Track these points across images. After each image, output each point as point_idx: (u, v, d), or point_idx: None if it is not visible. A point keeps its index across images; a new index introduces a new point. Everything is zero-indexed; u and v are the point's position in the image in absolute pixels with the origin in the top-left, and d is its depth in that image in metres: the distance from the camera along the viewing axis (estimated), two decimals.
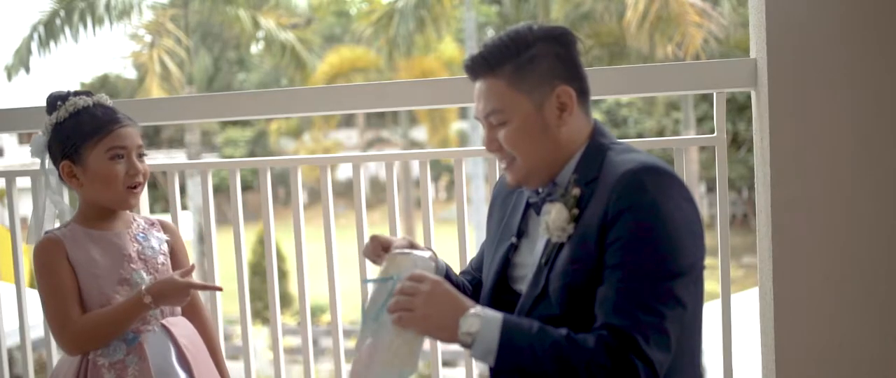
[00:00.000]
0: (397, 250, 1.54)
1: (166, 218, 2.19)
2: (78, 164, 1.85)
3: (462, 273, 1.79)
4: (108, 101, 1.93)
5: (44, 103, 1.94)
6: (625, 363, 1.29)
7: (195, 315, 2.02)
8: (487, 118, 1.48)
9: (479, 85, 1.49)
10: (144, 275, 1.89)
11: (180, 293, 1.83)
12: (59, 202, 2.00)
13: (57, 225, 1.97)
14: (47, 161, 1.94)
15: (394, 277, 1.45)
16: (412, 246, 1.59)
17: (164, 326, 1.91)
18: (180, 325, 1.95)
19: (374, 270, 1.64)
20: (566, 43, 1.47)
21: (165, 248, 1.98)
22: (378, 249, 1.59)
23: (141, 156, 1.89)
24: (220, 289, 1.99)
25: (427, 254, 1.54)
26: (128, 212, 1.96)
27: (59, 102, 1.88)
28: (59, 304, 1.82)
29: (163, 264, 1.94)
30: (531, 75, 1.44)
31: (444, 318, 1.36)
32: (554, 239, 1.43)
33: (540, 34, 1.45)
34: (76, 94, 1.90)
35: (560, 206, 1.43)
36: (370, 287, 1.49)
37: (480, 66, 1.47)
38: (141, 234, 1.94)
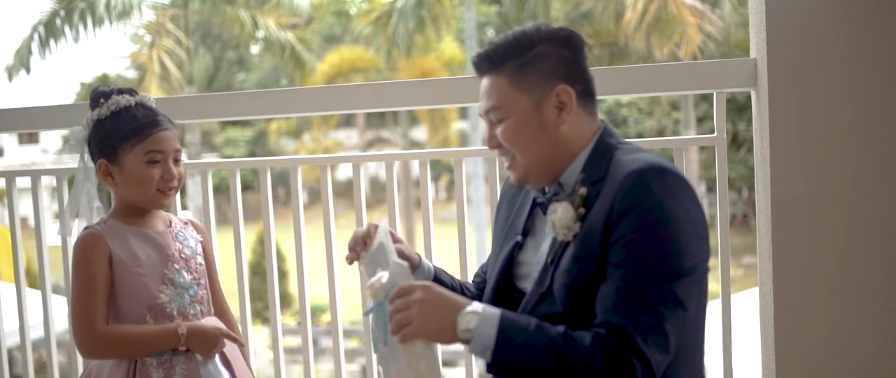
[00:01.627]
0: (373, 280, 1.51)
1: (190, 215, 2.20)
2: (114, 163, 1.85)
3: (474, 276, 1.80)
4: (151, 102, 1.92)
5: (44, 103, 1.94)
6: (621, 361, 1.30)
7: (223, 316, 2.03)
8: (488, 114, 1.51)
9: (483, 82, 1.51)
10: (186, 275, 1.89)
11: (217, 344, 1.87)
12: (94, 197, 1.99)
13: (94, 220, 1.97)
14: (86, 154, 1.94)
15: (383, 300, 1.45)
16: (368, 236, 1.59)
17: None
18: (218, 325, 1.95)
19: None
20: (572, 45, 1.48)
21: (200, 248, 1.98)
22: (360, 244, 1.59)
23: (177, 160, 1.89)
24: (243, 344, 2.00)
25: (404, 263, 1.50)
26: (162, 212, 1.97)
27: (102, 99, 1.88)
28: (90, 304, 1.81)
29: (200, 264, 1.95)
30: (532, 74, 1.45)
31: (440, 320, 1.36)
32: (560, 237, 1.44)
33: (545, 35, 1.47)
34: (120, 91, 1.89)
35: (566, 205, 1.44)
36: (370, 318, 1.49)
37: (484, 63, 1.49)
38: (180, 233, 1.95)
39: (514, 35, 1.47)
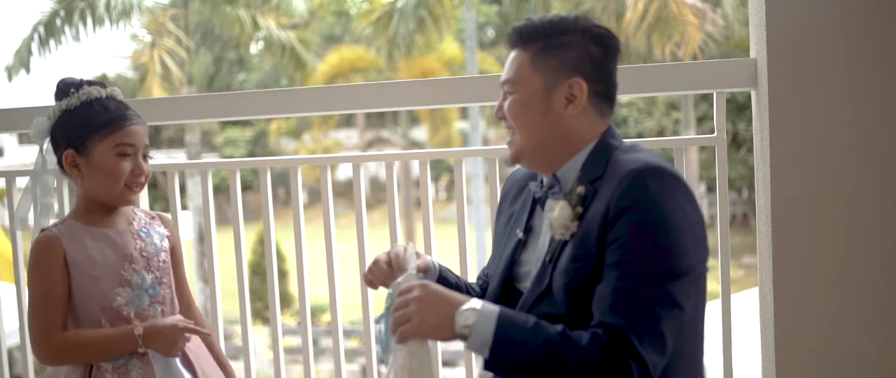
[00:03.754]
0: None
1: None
2: (82, 154, 1.81)
3: (477, 279, 1.80)
4: (120, 95, 1.89)
5: (44, 103, 1.92)
6: (618, 362, 1.30)
7: (188, 315, 2.00)
8: (503, 85, 1.54)
9: (511, 53, 1.54)
10: (146, 275, 1.85)
11: (177, 341, 1.80)
12: (47, 192, 1.94)
13: (51, 221, 1.93)
14: (46, 146, 1.90)
15: (389, 304, 1.48)
16: (400, 255, 1.61)
17: None
18: (177, 320, 1.89)
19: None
20: (604, 46, 1.50)
21: (166, 244, 1.94)
22: (384, 270, 1.61)
23: (146, 156, 1.86)
24: (209, 334, 1.94)
25: (412, 270, 1.55)
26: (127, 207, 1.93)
27: (72, 89, 1.84)
28: (46, 311, 1.77)
29: (164, 262, 1.90)
30: (553, 60, 1.47)
31: (438, 316, 1.37)
32: (557, 236, 1.44)
33: (581, 27, 1.49)
34: (90, 83, 1.86)
35: (564, 204, 1.44)
36: (382, 325, 1.52)
37: (515, 36, 1.52)
38: (144, 230, 1.90)
39: (551, 18, 1.50)
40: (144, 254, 1.87)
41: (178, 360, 1.87)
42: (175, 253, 1.98)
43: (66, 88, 1.85)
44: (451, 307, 1.36)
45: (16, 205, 2.18)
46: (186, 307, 2.01)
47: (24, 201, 1.97)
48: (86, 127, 1.80)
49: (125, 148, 1.81)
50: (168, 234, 1.96)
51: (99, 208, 1.86)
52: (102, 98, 1.84)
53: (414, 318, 1.37)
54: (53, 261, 1.78)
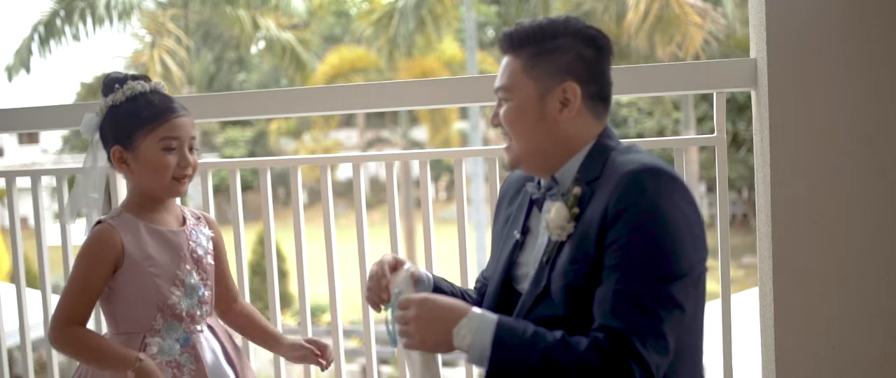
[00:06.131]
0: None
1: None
2: (129, 149, 1.81)
3: (476, 282, 1.80)
4: (164, 89, 1.89)
5: (44, 103, 1.92)
6: (620, 365, 1.29)
7: (243, 309, 2.05)
8: (497, 92, 1.53)
9: (503, 59, 1.54)
10: (195, 276, 1.87)
11: None
12: (98, 187, 1.95)
13: (94, 213, 1.93)
14: (97, 142, 1.90)
15: (391, 307, 1.52)
16: (397, 262, 1.64)
17: (209, 326, 1.91)
18: (218, 324, 1.96)
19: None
20: (597, 46, 1.49)
21: (210, 246, 1.95)
22: (381, 288, 1.62)
23: (192, 148, 1.86)
24: None
25: (407, 270, 1.58)
26: (177, 204, 1.94)
27: (116, 85, 1.84)
28: (77, 300, 1.79)
29: (209, 265, 1.93)
30: (545, 64, 1.47)
31: (437, 334, 1.39)
32: (554, 237, 1.44)
33: (572, 29, 1.48)
34: (134, 77, 1.86)
35: (560, 205, 1.44)
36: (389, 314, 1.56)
37: (506, 42, 1.52)
38: (193, 232, 1.92)
39: (542, 22, 1.49)
40: (195, 255, 1.89)
41: (223, 359, 1.91)
42: (219, 250, 1.99)
43: (111, 84, 1.86)
44: (449, 324, 1.37)
45: (28, 213, 2.18)
46: (233, 300, 2.03)
47: (75, 196, 1.96)
48: (131, 123, 1.81)
49: (170, 141, 1.81)
50: (212, 235, 1.98)
51: (150, 202, 1.87)
52: (147, 92, 1.84)
53: (415, 337, 1.40)
54: (109, 251, 1.79)
